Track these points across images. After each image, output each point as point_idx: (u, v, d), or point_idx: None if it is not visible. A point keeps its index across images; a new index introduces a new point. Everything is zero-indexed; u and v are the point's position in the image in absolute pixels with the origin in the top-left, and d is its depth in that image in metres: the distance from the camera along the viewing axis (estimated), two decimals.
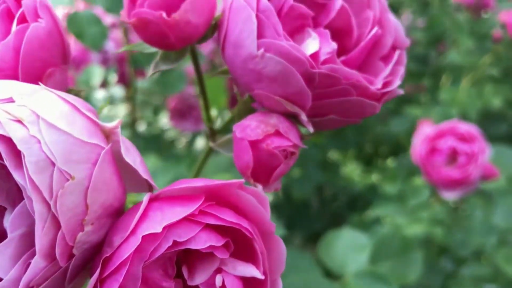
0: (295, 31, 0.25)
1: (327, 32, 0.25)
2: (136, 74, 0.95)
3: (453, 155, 0.74)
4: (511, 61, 1.29)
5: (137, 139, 1.00)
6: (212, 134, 0.34)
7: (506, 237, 0.98)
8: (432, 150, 0.75)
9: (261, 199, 0.22)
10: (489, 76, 1.26)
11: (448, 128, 0.74)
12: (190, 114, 1.06)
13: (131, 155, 0.22)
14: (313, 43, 0.24)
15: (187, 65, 0.91)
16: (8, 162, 0.18)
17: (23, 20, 0.25)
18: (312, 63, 0.23)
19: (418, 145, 0.76)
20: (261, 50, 0.23)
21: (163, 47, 0.27)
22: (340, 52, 0.27)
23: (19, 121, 0.19)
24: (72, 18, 0.75)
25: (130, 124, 1.02)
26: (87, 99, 0.96)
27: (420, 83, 1.59)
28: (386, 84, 0.25)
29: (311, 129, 0.25)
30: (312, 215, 1.47)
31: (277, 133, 0.24)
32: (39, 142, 0.19)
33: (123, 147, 0.21)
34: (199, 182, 0.21)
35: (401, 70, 0.26)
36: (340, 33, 0.27)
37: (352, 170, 1.64)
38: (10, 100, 0.20)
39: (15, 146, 0.18)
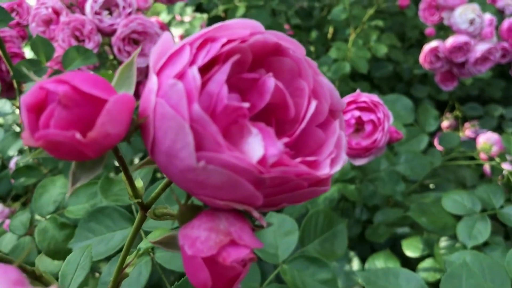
0: (232, 123, 0.23)
1: (270, 130, 0.22)
2: (21, 84, 0.85)
3: (360, 125, 0.76)
4: (392, 12, 1.34)
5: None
6: (143, 208, 0.31)
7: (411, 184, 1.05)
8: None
9: None
10: (374, 27, 1.31)
11: (351, 100, 0.75)
12: None
13: None
14: (257, 145, 0.21)
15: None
16: None
17: None
18: (261, 169, 0.21)
19: None
20: (202, 163, 0.20)
21: (79, 160, 0.23)
22: (278, 123, 0.25)
23: None
24: None
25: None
26: None
27: (309, 37, 1.60)
28: (333, 162, 0.24)
29: (264, 224, 0.23)
30: None
31: (232, 242, 0.22)
32: None
33: None
34: None
35: (344, 137, 0.25)
36: (275, 108, 0.25)
37: None
38: None
39: None
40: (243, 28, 0.23)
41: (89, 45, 0.96)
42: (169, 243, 0.26)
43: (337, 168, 0.23)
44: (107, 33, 0.98)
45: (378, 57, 1.34)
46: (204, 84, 0.22)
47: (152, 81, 0.22)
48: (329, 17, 1.42)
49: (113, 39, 0.96)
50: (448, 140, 1.06)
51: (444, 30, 1.48)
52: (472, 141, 1.27)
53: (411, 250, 0.90)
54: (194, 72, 0.21)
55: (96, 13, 0.96)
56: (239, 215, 0.24)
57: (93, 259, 0.52)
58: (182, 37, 1.63)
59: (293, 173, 0.21)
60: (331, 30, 1.57)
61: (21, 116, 0.22)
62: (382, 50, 1.28)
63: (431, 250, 0.89)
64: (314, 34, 1.60)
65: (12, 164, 1.11)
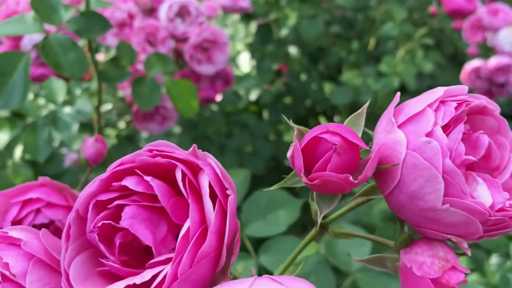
0: None
1: (495, 180, 0.28)
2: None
3: None
4: (443, 32, 1.39)
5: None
6: (322, 227, 0.37)
7: None
8: None
9: None
10: (421, 44, 1.36)
11: None
12: (155, 114, 1.03)
13: None
14: (486, 194, 0.27)
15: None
16: None
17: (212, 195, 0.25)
18: (491, 213, 0.26)
19: None
20: (446, 205, 0.26)
21: (334, 193, 0.29)
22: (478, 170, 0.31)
23: None
24: (44, 45, 0.69)
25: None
26: (54, 117, 0.90)
27: (350, 47, 1.65)
28: None
29: (469, 253, 0.29)
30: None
31: (452, 268, 0.28)
32: None
33: None
34: None
35: None
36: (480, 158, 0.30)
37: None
38: None
39: None
40: (461, 93, 0.29)
41: (162, 50, 1.01)
42: (376, 262, 0.32)
43: None
44: (179, 40, 1.03)
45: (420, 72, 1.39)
46: None
47: (399, 135, 0.27)
48: (376, 32, 1.47)
49: (186, 46, 1.01)
50: None
51: (484, 49, 1.53)
52: None
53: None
54: (441, 132, 0.26)
55: (170, 20, 1.01)
56: (446, 244, 0.29)
57: None
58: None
59: (509, 216, 0.27)
60: (372, 42, 1.62)
61: (294, 158, 0.27)
62: (428, 66, 1.33)
63: (477, 265, 0.94)
64: (355, 44, 1.65)
65: (68, 160, 1.14)
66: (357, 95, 1.37)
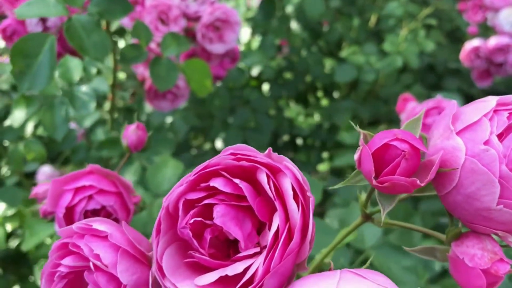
0: None
1: None
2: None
3: None
4: (443, 10, 1.41)
5: None
6: (365, 216, 0.40)
7: None
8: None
9: None
10: (423, 24, 1.38)
11: (434, 105, 0.84)
12: (167, 93, 1.05)
13: None
14: None
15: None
16: None
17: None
18: None
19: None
20: (500, 206, 0.29)
21: (396, 193, 0.32)
22: None
23: None
24: (69, 27, 0.70)
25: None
26: (71, 95, 0.91)
27: (350, 23, 1.67)
28: None
29: None
30: None
31: (500, 260, 0.31)
32: None
33: None
34: None
35: None
36: None
37: (295, 113, 1.73)
38: None
39: None
40: (510, 101, 0.32)
41: (174, 29, 1.02)
42: (427, 252, 0.35)
43: None
44: (191, 19, 1.04)
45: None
46: None
47: (458, 141, 0.30)
48: (378, 9, 1.48)
49: (198, 25, 1.02)
50: None
51: (484, 29, 1.55)
52: None
53: None
54: (497, 141, 0.29)
55: None
56: (492, 237, 0.33)
57: None
58: None
59: None
60: (373, 18, 1.63)
61: (362, 161, 0.30)
62: (430, 46, 1.36)
63: None
64: (356, 21, 1.66)
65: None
66: (359, 73, 1.40)
